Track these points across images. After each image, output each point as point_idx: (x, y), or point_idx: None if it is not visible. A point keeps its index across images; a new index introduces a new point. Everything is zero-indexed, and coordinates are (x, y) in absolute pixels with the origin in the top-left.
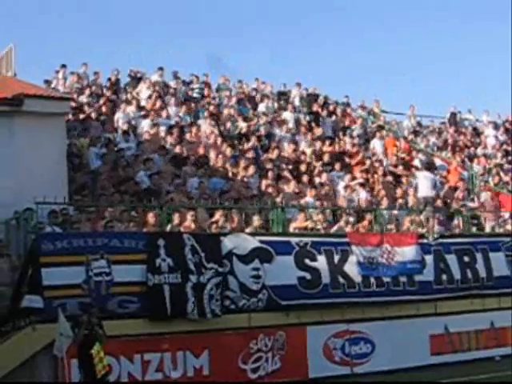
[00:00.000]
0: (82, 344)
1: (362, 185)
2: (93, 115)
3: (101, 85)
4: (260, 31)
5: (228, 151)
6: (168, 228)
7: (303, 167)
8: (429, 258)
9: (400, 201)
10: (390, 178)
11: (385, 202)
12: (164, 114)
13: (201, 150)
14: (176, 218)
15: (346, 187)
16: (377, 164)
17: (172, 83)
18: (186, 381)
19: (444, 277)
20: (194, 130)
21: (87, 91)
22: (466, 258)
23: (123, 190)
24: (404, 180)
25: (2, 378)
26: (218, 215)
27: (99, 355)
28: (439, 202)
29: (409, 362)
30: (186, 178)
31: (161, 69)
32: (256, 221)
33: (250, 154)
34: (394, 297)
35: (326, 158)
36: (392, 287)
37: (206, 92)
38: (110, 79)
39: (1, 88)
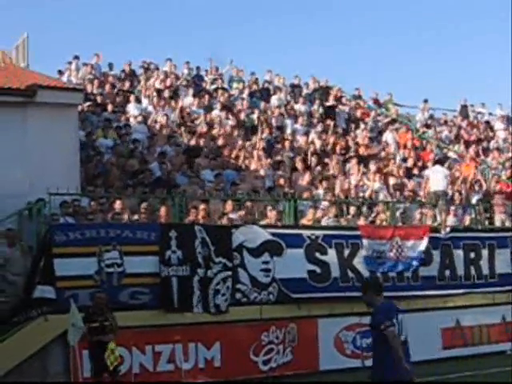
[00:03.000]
0: (92, 334)
1: (374, 177)
2: (106, 106)
3: (114, 75)
4: (269, 23)
5: (241, 143)
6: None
7: (315, 159)
8: (436, 253)
9: (413, 194)
10: (402, 171)
11: (397, 195)
12: (177, 104)
13: (214, 142)
14: (189, 210)
15: (358, 180)
16: (389, 157)
17: (183, 74)
18: (197, 372)
19: (448, 273)
20: (207, 121)
21: (100, 82)
22: (472, 254)
23: (136, 181)
24: (416, 173)
25: (14, 368)
26: (229, 207)
27: (110, 347)
28: (456, 195)
29: (420, 356)
30: (199, 169)
31: (169, 60)
32: (271, 214)
33: (263, 146)
34: (401, 292)
35: (338, 150)
36: (398, 282)
37: (218, 84)
38: (123, 70)
39: (14, 79)
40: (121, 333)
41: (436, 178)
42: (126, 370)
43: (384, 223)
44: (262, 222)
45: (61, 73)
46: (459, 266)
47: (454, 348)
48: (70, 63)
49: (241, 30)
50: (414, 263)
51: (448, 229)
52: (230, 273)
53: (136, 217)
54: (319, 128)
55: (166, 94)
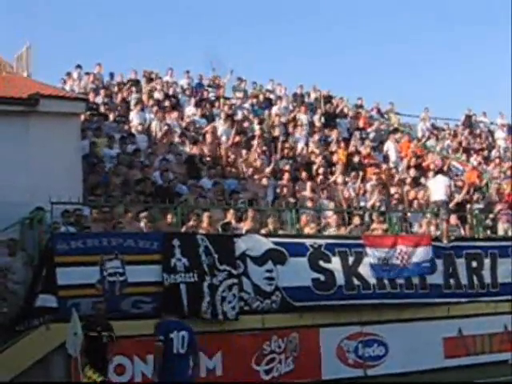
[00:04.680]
0: (88, 347)
1: (375, 187)
2: (108, 115)
3: (116, 85)
4: (269, 31)
5: (243, 152)
6: (183, 229)
7: (317, 168)
8: (440, 262)
9: (414, 203)
10: (403, 181)
11: (399, 204)
12: (179, 114)
13: (216, 151)
14: (190, 219)
15: (359, 189)
16: (391, 166)
17: (184, 83)
18: (199, 381)
19: (452, 281)
20: (209, 130)
21: (102, 91)
22: (474, 263)
23: (137, 190)
24: (418, 182)
25: (16, 377)
26: (230, 216)
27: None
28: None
29: (422, 365)
30: (201, 178)
31: (171, 69)
32: (270, 223)
33: (265, 155)
34: (408, 299)
35: (340, 159)
36: (405, 290)
37: (220, 93)
38: (125, 79)
39: (17, 88)
40: (122, 342)
41: (437, 188)
42: (127, 379)
43: (387, 233)
44: (264, 232)
45: (63, 82)
46: (462, 275)
47: (456, 357)
48: (71, 73)
49: (243, 39)
50: (420, 270)
51: (451, 237)
52: (235, 280)
53: (138, 225)
54: (321, 137)
55: (168, 103)
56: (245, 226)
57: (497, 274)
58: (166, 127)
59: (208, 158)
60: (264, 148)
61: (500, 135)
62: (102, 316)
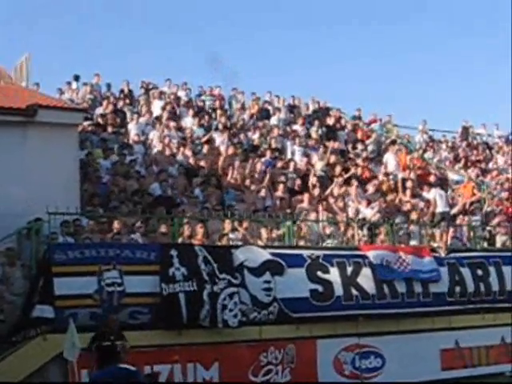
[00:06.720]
0: (101, 357)
1: (375, 198)
2: (106, 126)
3: (114, 95)
4: (268, 42)
5: (241, 164)
6: (179, 240)
7: (314, 180)
8: (443, 270)
9: (413, 215)
10: (402, 192)
11: (398, 216)
12: (177, 125)
13: (213, 162)
14: (187, 230)
15: (358, 201)
16: (390, 178)
17: (182, 94)
18: None
19: (457, 289)
20: (206, 141)
21: (100, 102)
22: (480, 272)
23: (135, 201)
24: (417, 194)
25: None
26: (227, 227)
27: None
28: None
29: (419, 377)
30: (198, 190)
31: (169, 80)
32: (264, 233)
33: (263, 167)
34: (409, 309)
35: (338, 171)
36: (407, 299)
37: (218, 104)
38: (122, 90)
39: (15, 98)
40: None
41: (441, 200)
42: None
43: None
44: (261, 243)
45: (61, 92)
46: (468, 283)
47: (453, 369)
48: (70, 83)
49: (241, 50)
50: (423, 275)
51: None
52: (235, 289)
53: (135, 236)
54: (319, 149)
55: (166, 114)
56: (241, 236)
57: (491, 285)
58: (163, 138)
59: (205, 169)
60: (261, 159)
61: (499, 147)
62: (115, 326)
